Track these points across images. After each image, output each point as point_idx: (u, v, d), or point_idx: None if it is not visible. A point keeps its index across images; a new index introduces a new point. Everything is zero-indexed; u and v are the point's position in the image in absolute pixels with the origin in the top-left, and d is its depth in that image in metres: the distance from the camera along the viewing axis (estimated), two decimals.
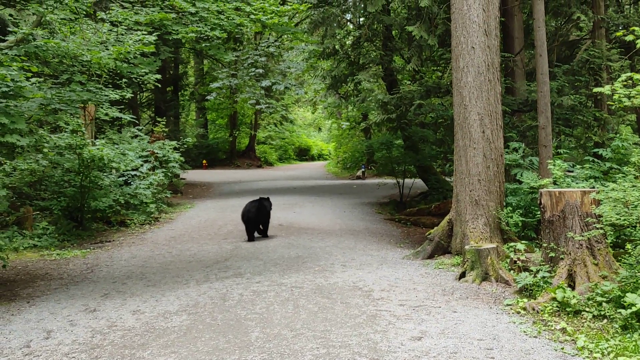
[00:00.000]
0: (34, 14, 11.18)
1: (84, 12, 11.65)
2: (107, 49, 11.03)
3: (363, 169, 35.10)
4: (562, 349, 6.04)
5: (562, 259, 8.00)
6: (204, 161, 44.31)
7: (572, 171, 11.76)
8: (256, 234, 13.91)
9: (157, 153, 19.84)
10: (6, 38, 10.23)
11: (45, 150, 13.98)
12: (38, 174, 14.60)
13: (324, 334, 6.64)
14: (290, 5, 17.90)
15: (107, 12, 12.05)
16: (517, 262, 9.01)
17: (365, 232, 15.02)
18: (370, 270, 10.11)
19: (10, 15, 13.90)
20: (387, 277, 9.50)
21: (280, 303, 8.04)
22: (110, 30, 12.14)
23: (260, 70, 23.63)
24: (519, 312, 7.37)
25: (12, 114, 8.46)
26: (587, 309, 7.00)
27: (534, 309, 7.30)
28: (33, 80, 9.87)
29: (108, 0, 15.40)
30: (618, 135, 12.79)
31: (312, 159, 62.61)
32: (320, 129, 69.64)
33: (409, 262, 10.95)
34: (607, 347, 5.94)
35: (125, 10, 11.93)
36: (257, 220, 13.88)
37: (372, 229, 15.53)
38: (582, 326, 6.67)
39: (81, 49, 10.53)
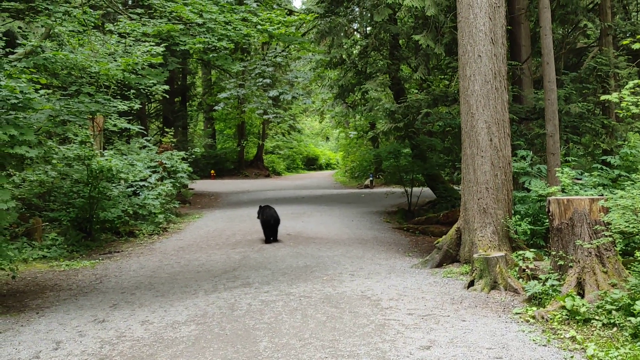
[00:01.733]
0: (42, 26, 11.27)
1: (92, 24, 11.73)
2: (116, 60, 11.11)
3: (371, 178, 35.09)
4: (572, 357, 6.01)
5: (571, 267, 7.97)
6: (212, 171, 44.36)
7: (580, 179, 11.72)
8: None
9: (166, 163, 19.90)
10: (15, 50, 10.33)
11: (54, 161, 14.05)
12: (47, 185, 14.68)
13: (332, 343, 6.64)
14: (297, 16, 17.94)
15: (115, 23, 12.12)
16: (526, 270, 8.98)
17: (374, 241, 15.00)
18: (378, 280, 10.10)
19: (20, 27, 14.02)
20: (396, 286, 9.48)
21: (288, 313, 8.04)
22: (119, 41, 12.22)
23: (268, 80, 23.73)
24: (528, 321, 7.34)
25: (21, 126, 8.52)
26: (597, 317, 6.97)
27: (543, 318, 7.27)
28: (42, 92, 9.94)
29: (116, 12, 15.48)
30: (626, 142, 12.76)
31: (320, 168, 62.60)
32: (328, 138, 69.74)
33: (418, 271, 10.92)
34: (617, 356, 5.91)
35: (133, 22, 12.00)
36: (277, 224, 14.80)
37: (381, 238, 15.51)
38: (592, 334, 6.63)
39: (89, 60, 10.61)
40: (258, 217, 15.13)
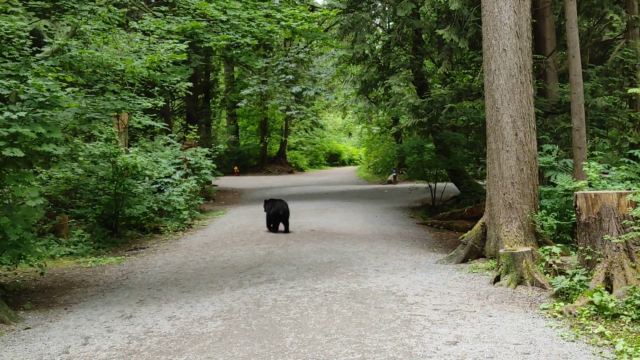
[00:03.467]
0: (68, 24, 11.33)
1: (117, 22, 11.75)
2: (140, 58, 11.15)
3: (394, 174, 34.97)
4: (601, 353, 5.96)
5: (598, 262, 7.90)
6: (236, 168, 44.52)
7: (607, 173, 11.58)
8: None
9: (190, 160, 20.02)
10: (42, 49, 10.40)
11: (80, 158, 14.18)
12: (73, 182, 14.82)
13: (358, 339, 6.64)
14: (320, 11, 17.90)
15: (140, 21, 12.16)
16: (553, 265, 8.91)
17: (398, 236, 14.96)
18: (403, 275, 10.08)
19: (45, 26, 14.14)
20: (421, 282, 9.46)
21: (314, 308, 8.05)
22: (143, 39, 12.26)
23: (291, 77, 23.69)
24: (555, 316, 7.29)
25: (48, 124, 8.59)
26: (626, 313, 6.90)
27: (570, 313, 7.21)
28: (68, 90, 10.01)
29: (140, 10, 15.57)
30: None
31: (343, 164, 62.49)
32: (350, 134, 69.64)
33: (443, 267, 10.88)
34: None
35: (157, 19, 12.04)
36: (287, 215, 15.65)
37: (405, 234, 15.46)
38: (621, 330, 6.57)
39: (114, 58, 10.65)
40: (265, 210, 15.97)
